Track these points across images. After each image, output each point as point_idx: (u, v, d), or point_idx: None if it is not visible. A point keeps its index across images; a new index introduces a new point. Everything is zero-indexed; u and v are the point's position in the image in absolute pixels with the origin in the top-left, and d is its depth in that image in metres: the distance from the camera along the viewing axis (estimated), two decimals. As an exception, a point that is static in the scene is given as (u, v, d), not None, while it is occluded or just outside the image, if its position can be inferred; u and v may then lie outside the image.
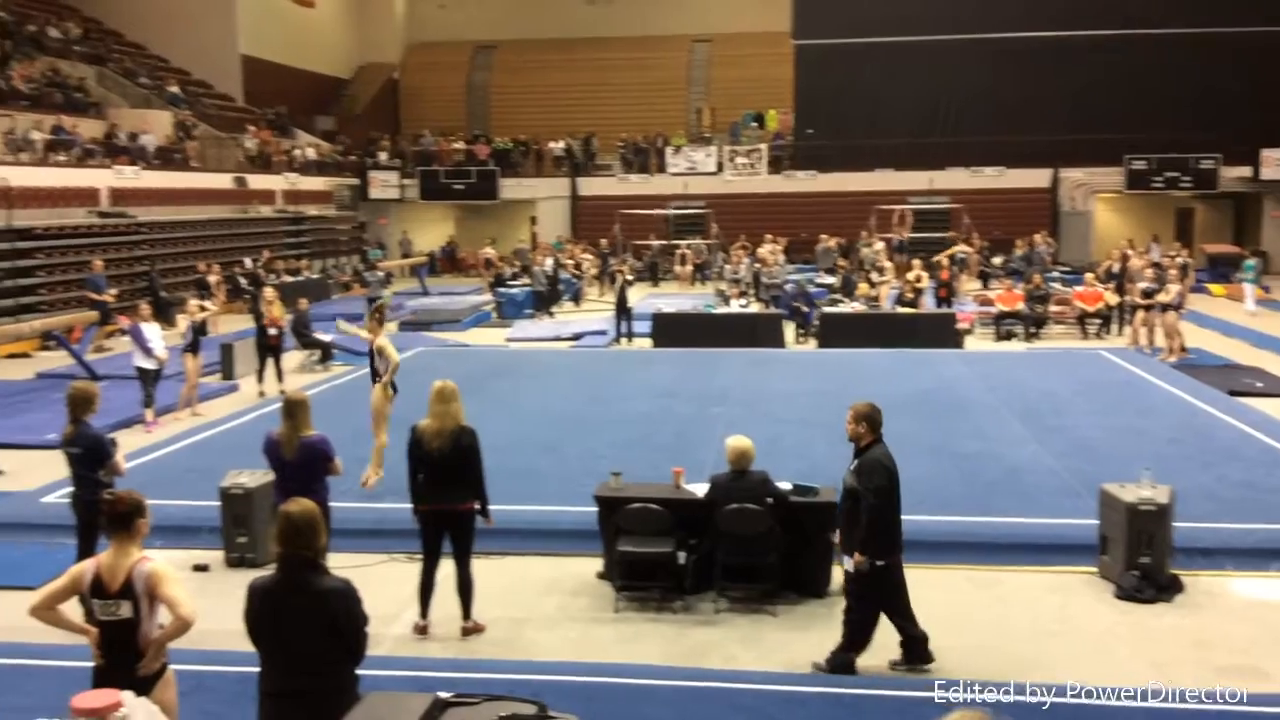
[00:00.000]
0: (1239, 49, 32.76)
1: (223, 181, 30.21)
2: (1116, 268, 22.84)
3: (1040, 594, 8.09)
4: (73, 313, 20.28)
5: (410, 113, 43.91)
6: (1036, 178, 35.09)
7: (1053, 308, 21.79)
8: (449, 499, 7.25)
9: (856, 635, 6.81)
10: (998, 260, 29.28)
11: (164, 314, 19.51)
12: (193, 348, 14.46)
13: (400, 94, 44.59)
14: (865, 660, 6.94)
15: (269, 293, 16.58)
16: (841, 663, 6.82)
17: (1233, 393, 14.95)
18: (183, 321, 14.23)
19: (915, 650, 6.88)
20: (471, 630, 7.43)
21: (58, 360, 18.62)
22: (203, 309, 15.43)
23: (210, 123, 32.43)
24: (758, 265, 26.56)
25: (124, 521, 4.74)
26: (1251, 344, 19.68)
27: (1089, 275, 22.29)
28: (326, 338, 18.74)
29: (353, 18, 44.14)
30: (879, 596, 6.77)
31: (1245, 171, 33.54)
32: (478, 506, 7.32)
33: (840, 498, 6.93)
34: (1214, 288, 27.50)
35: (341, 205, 36.89)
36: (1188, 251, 26.55)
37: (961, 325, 20.38)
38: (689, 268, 32.09)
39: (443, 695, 4.16)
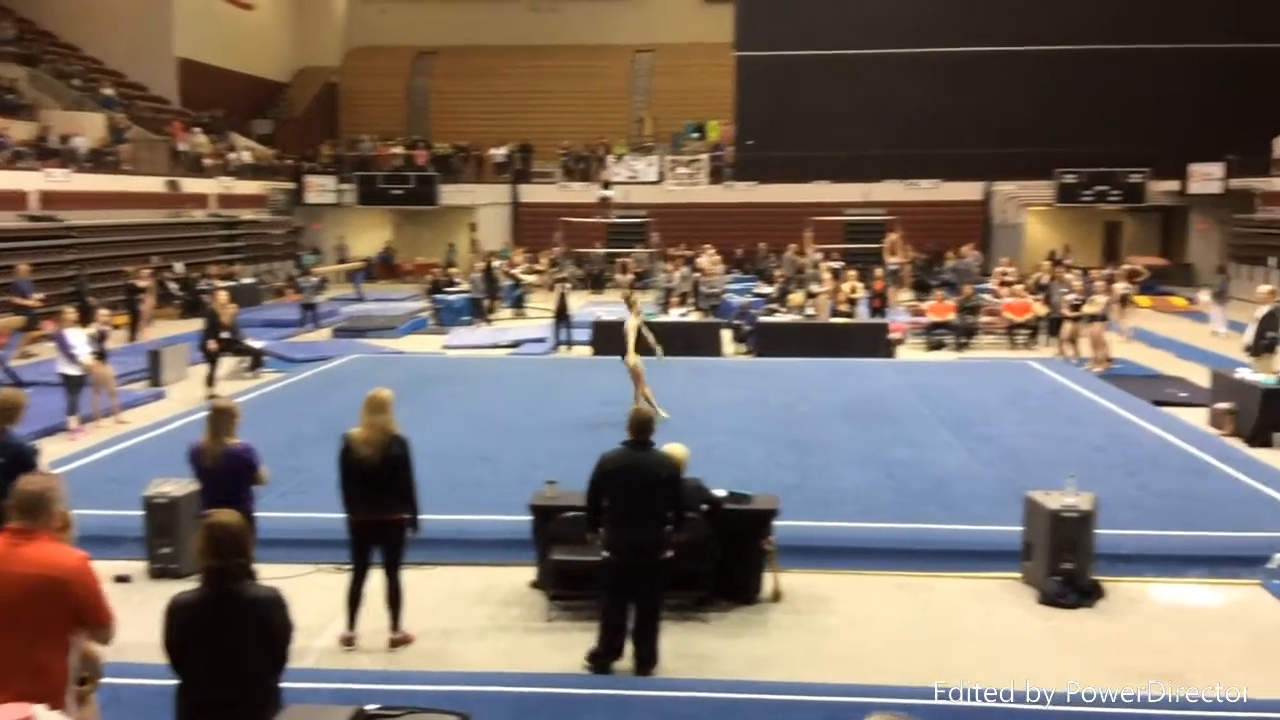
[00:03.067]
0: (1167, 65, 33.51)
1: (155, 185, 29.71)
2: (1045, 279, 23.25)
3: (967, 600, 8.21)
4: (-3, 318, 19.83)
5: (349, 117, 43.53)
6: (970, 190, 35.63)
7: (982, 318, 22.13)
8: (379, 509, 7.18)
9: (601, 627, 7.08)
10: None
11: (89, 320, 19.24)
12: (100, 355, 14.18)
13: (339, 98, 44.21)
14: (804, 670, 7.01)
15: (222, 296, 16.47)
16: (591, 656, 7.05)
17: (1156, 402, 15.29)
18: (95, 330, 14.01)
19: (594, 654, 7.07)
20: (400, 641, 7.36)
21: (-19, 366, 18.17)
22: (115, 326, 15.10)
23: (144, 126, 31.91)
24: (697, 274, 26.66)
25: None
26: (1175, 355, 20.13)
27: (1015, 285, 22.73)
28: (258, 344, 18.49)
29: (291, 21, 43.71)
30: (603, 587, 7.04)
31: (1173, 185, 34.30)
32: (408, 517, 7.27)
33: None
34: (1140, 299, 28.06)
35: (276, 210, 36.49)
36: (1114, 265, 27.09)
37: (894, 335, 20.62)
38: (630, 276, 32.06)
39: (366, 707, 4.14)
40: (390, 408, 7.24)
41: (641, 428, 6.99)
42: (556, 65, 41.94)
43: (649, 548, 6.82)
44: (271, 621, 4.39)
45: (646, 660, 6.97)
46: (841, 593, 8.30)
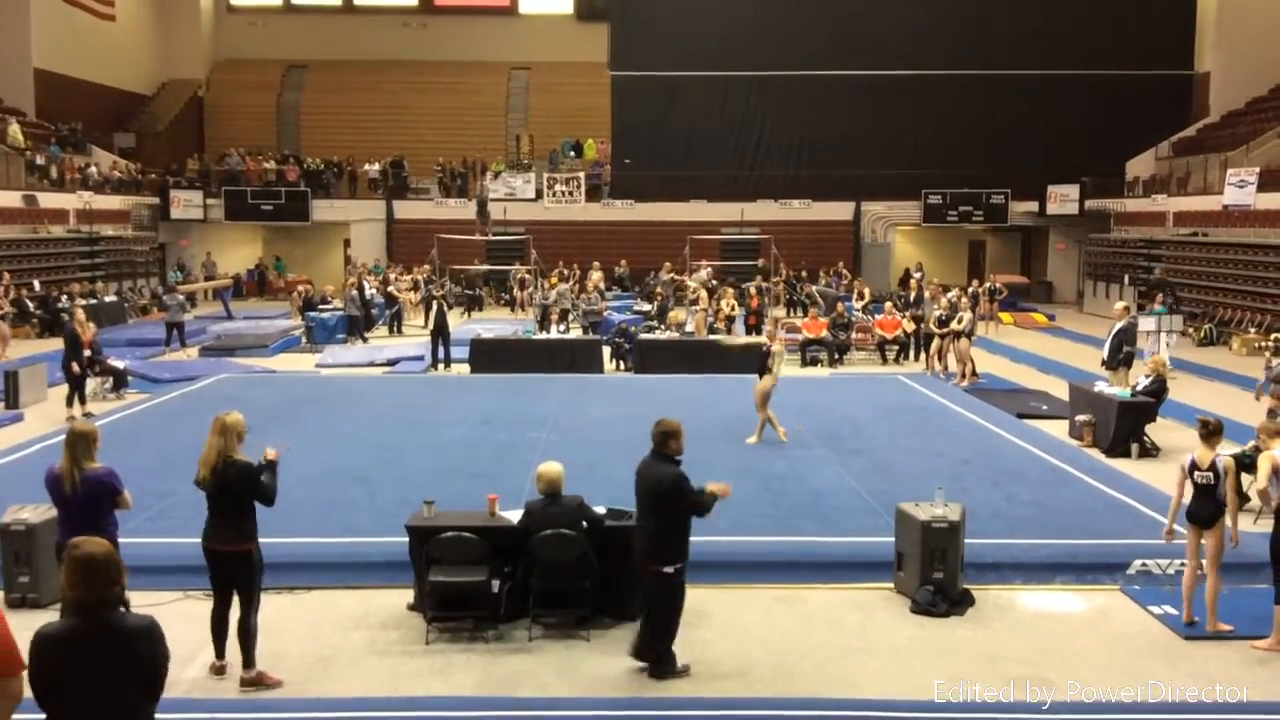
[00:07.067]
0: (1026, 90, 35.03)
1: (11, 200, 28.52)
2: (912, 296, 23.93)
3: (842, 611, 8.36)
4: None
5: (216, 131, 42.45)
6: (840, 210, 36.49)
7: (854, 335, 22.64)
8: (217, 538, 6.91)
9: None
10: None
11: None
12: None
13: (206, 112, 43.10)
14: (685, 684, 7.04)
15: (81, 313, 15.90)
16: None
17: (1020, 415, 15.86)
18: None
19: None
20: (251, 682, 6.91)
21: None
22: None
23: (-2, 138, 30.57)
24: (583, 293, 26.65)
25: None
26: (1037, 369, 20.92)
27: (888, 305, 23.35)
28: (120, 364, 17.82)
29: (156, 33, 42.44)
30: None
31: (1032, 206, 35.75)
32: (248, 549, 6.90)
33: None
34: (1004, 315, 29.12)
35: (140, 225, 35.30)
36: (978, 282, 28.00)
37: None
38: (527, 292, 31.61)
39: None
40: (234, 431, 6.96)
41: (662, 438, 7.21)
42: (430, 81, 41.68)
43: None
44: (146, 654, 4.18)
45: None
46: (721, 606, 8.37)
